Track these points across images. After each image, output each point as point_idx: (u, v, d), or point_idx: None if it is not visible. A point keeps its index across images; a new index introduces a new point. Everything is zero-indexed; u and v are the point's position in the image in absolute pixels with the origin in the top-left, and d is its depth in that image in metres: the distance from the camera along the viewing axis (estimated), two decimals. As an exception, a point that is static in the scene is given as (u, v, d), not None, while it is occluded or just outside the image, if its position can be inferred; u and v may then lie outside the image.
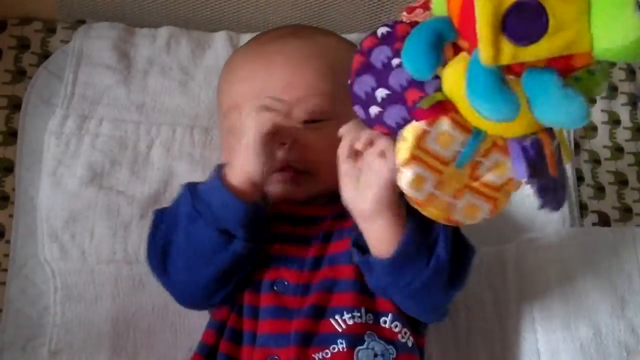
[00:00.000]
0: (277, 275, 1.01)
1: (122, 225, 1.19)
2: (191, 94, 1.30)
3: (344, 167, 0.92)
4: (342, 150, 0.92)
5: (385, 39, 0.84)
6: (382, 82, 0.83)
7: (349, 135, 0.91)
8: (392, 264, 0.92)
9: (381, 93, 0.83)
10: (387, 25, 0.85)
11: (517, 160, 0.78)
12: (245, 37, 1.33)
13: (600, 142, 1.34)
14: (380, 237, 0.93)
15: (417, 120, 0.80)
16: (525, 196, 1.23)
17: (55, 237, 1.17)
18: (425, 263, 0.93)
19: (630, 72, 1.39)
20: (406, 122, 0.81)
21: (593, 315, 1.15)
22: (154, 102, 1.29)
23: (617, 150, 1.34)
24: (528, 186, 0.82)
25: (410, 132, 0.80)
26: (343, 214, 1.05)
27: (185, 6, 1.36)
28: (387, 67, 0.83)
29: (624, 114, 1.37)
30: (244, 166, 0.96)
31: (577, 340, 1.14)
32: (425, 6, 0.90)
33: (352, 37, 1.32)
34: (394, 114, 0.82)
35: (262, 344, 0.97)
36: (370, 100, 0.84)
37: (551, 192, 0.82)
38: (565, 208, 1.26)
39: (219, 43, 1.35)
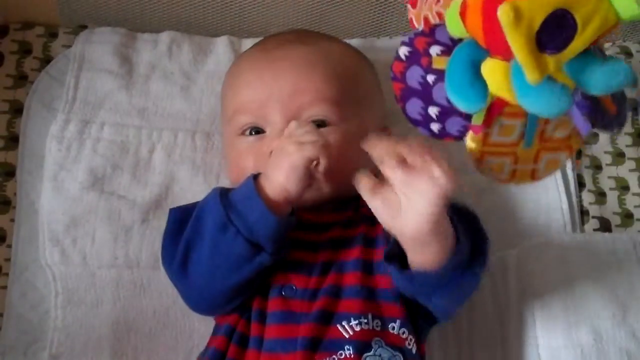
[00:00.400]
0: (286, 280, 1.02)
1: (123, 229, 1.18)
2: (193, 99, 1.30)
3: (397, 177, 0.86)
4: (389, 161, 0.87)
5: (411, 59, 0.86)
6: (429, 101, 0.85)
7: (378, 147, 0.89)
8: (445, 276, 0.93)
9: (433, 111, 0.85)
10: (405, 43, 0.86)
11: (577, 118, 0.79)
12: (247, 42, 1.34)
13: (601, 147, 1.34)
14: (432, 257, 0.91)
15: (475, 134, 0.83)
16: (527, 202, 1.25)
17: (57, 241, 1.17)
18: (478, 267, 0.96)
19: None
20: (467, 128, 0.84)
21: (594, 321, 1.15)
22: (156, 107, 1.29)
23: (618, 156, 1.34)
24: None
25: (473, 139, 0.83)
26: (352, 222, 1.06)
27: (186, 11, 1.36)
28: (426, 85, 0.85)
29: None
30: (285, 185, 0.96)
31: (578, 347, 1.13)
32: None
33: (354, 42, 1.33)
34: (454, 126, 0.85)
35: (269, 348, 0.97)
36: (427, 119, 0.86)
37: (614, 120, 0.84)
38: (566, 213, 1.26)
39: (221, 48, 1.35)
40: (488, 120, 0.82)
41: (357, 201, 1.10)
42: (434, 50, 0.84)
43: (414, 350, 0.99)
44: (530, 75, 0.71)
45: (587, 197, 1.30)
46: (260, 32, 1.32)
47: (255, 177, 0.99)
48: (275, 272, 1.02)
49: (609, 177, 1.32)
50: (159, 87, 1.30)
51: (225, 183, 1.22)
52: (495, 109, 0.81)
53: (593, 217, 1.28)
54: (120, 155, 1.24)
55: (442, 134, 0.86)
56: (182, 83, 1.31)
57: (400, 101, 0.87)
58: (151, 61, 1.32)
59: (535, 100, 0.74)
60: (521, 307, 1.18)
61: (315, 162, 0.99)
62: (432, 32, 0.85)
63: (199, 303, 1.06)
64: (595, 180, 1.31)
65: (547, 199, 1.26)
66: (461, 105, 0.78)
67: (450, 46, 0.82)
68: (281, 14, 1.36)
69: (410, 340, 0.99)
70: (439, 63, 0.82)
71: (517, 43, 0.71)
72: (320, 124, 1.08)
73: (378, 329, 0.98)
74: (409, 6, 0.93)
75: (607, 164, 1.33)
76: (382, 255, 1.00)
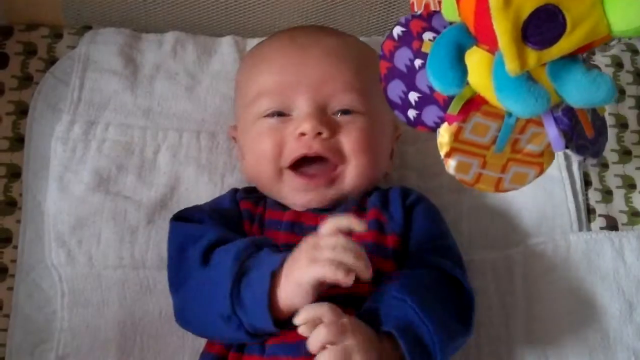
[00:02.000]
0: None
1: (129, 230, 1.18)
2: (197, 99, 1.30)
3: None
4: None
5: (403, 40, 0.86)
6: (411, 86, 0.85)
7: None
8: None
9: (413, 96, 0.85)
10: (400, 24, 0.86)
11: (552, 132, 0.78)
12: (252, 42, 1.34)
13: (607, 145, 1.32)
14: None
15: (450, 124, 0.82)
16: (533, 200, 1.24)
17: (62, 242, 1.17)
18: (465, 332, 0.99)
19: (637, 75, 1.38)
20: (442, 120, 0.83)
21: (601, 319, 1.16)
22: (161, 107, 1.29)
23: (625, 154, 1.33)
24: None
25: (446, 131, 0.83)
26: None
27: (191, 11, 1.35)
28: (412, 69, 0.85)
29: (632, 117, 1.36)
30: (292, 299, 0.92)
31: (585, 345, 1.14)
32: None
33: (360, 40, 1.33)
34: (430, 115, 0.85)
35: (271, 353, 0.97)
36: (405, 104, 0.86)
37: (590, 147, 0.84)
38: (573, 211, 1.26)
39: (225, 48, 1.35)
40: (464, 113, 0.81)
41: (364, 199, 1.11)
42: (427, 35, 0.84)
43: None
44: (510, 64, 0.70)
45: (594, 196, 1.29)
46: (265, 32, 1.32)
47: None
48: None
49: (616, 175, 1.31)
50: (163, 87, 1.30)
51: (230, 183, 1.23)
52: (474, 104, 0.81)
53: (599, 215, 1.28)
54: (125, 156, 1.24)
55: (417, 122, 0.86)
56: (187, 83, 1.31)
57: (383, 80, 0.87)
58: (156, 61, 1.32)
59: (511, 95, 0.73)
60: (527, 305, 1.18)
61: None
62: (429, 17, 0.85)
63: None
64: (601, 179, 1.31)
65: (553, 197, 1.26)
66: (437, 85, 0.77)
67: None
68: (286, 13, 1.36)
69: None
70: (428, 48, 0.81)
71: (501, 27, 0.70)
72: (347, 112, 1.11)
73: None
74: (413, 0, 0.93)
75: (613, 162, 1.32)
76: (392, 267, 1.04)
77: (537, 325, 1.16)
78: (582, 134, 0.82)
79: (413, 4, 0.93)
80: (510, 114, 0.81)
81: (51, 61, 1.32)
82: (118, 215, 1.19)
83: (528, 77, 0.72)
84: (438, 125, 0.84)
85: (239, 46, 1.35)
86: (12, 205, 1.22)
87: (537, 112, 0.72)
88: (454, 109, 0.80)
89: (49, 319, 1.14)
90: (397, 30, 0.86)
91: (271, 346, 0.97)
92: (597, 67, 0.78)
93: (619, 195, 1.30)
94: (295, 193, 1.12)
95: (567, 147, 0.81)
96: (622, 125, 1.35)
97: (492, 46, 0.75)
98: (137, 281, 1.16)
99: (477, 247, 1.21)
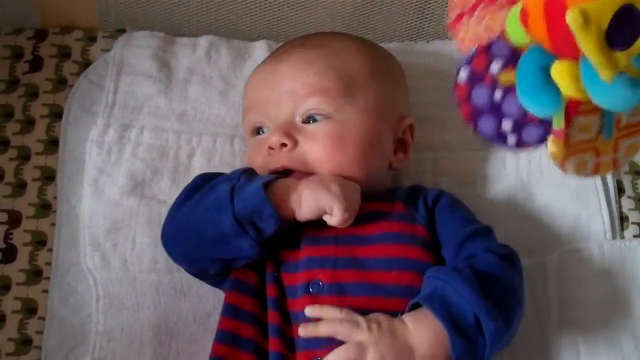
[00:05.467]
0: (311, 276, 1.03)
1: (163, 234, 1.19)
2: (231, 103, 1.30)
3: None
4: None
5: (472, 80, 0.85)
6: (500, 116, 0.84)
7: None
8: None
9: (507, 125, 0.84)
10: (463, 67, 0.85)
11: None
12: (285, 47, 1.34)
13: (640, 153, 1.33)
14: None
15: (557, 137, 0.82)
16: (567, 208, 1.24)
17: (97, 245, 1.17)
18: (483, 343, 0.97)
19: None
20: (545, 135, 0.83)
21: (635, 327, 1.15)
22: (195, 111, 1.29)
23: (658, 161, 1.32)
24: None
25: (555, 142, 0.82)
26: (376, 215, 1.08)
27: (225, 15, 1.36)
28: (494, 104, 0.84)
29: (666, 124, 1.35)
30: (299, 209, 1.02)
31: (619, 352, 1.14)
32: (464, 13, 0.91)
33: (392, 46, 1.34)
34: (531, 135, 0.84)
35: (305, 346, 0.98)
36: (502, 135, 0.85)
37: None
38: (606, 219, 1.25)
39: (259, 52, 1.35)
40: (567, 122, 0.81)
41: (383, 196, 1.12)
42: (495, 66, 0.83)
43: None
44: (604, 74, 0.71)
45: (627, 203, 1.28)
46: (297, 37, 1.32)
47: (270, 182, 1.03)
48: (297, 272, 1.04)
49: (649, 183, 1.31)
50: (197, 91, 1.31)
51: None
52: (572, 109, 0.80)
53: (633, 223, 1.27)
54: (160, 160, 1.24)
55: (521, 144, 0.85)
56: (221, 87, 1.31)
57: (471, 123, 0.86)
58: (190, 65, 1.33)
59: (609, 97, 0.73)
60: (561, 313, 1.18)
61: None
62: (488, 49, 0.84)
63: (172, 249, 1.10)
64: (634, 186, 1.30)
65: (587, 204, 1.26)
66: (536, 111, 0.77)
67: (510, 58, 0.82)
68: (319, 18, 1.36)
69: None
70: (506, 77, 0.81)
71: (588, 45, 0.70)
72: (312, 119, 1.12)
73: None
74: (452, 31, 0.92)
75: (646, 170, 1.32)
76: (419, 255, 1.05)
77: (570, 330, 1.16)
78: None
79: (461, 42, 0.92)
80: None
81: (85, 64, 1.33)
82: (153, 219, 1.19)
83: (620, 74, 0.72)
84: (542, 141, 0.84)
85: (272, 50, 1.34)
86: (46, 208, 1.22)
87: (637, 103, 0.73)
88: (558, 123, 0.80)
89: (84, 322, 1.15)
90: (464, 75, 0.85)
91: (304, 339, 0.98)
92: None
93: (652, 203, 1.30)
94: None
95: None
96: (656, 132, 1.34)
97: (573, 57, 0.75)
98: (171, 285, 1.17)
99: (511, 254, 1.20)
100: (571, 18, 0.69)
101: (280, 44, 1.36)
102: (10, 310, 1.15)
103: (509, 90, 0.81)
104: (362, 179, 1.11)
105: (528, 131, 0.83)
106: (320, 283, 1.02)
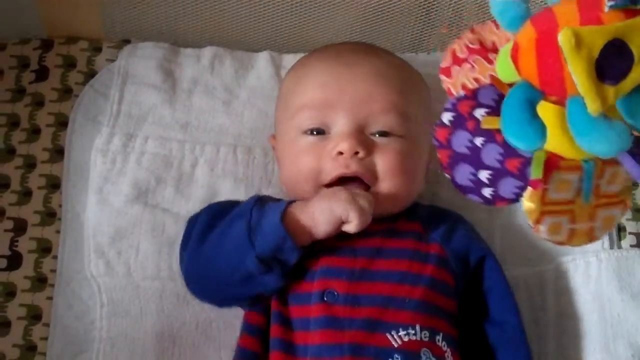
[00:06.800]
0: (327, 286, 1.04)
1: (167, 242, 1.20)
2: (235, 113, 1.32)
3: None
4: None
5: (455, 124, 0.85)
6: (478, 165, 0.84)
7: None
8: None
9: (484, 175, 0.83)
10: (448, 110, 0.85)
11: (632, 166, 0.78)
12: (287, 57, 1.36)
13: (637, 164, 1.34)
14: None
15: (535, 189, 0.82)
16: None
17: (102, 253, 1.19)
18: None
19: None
20: (522, 189, 0.82)
21: (632, 336, 1.16)
22: (198, 121, 1.31)
23: (654, 172, 1.34)
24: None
25: (532, 197, 0.82)
26: (395, 232, 1.09)
27: (228, 27, 1.37)
28: (474, 149, 0.84)
29: (661, 137, 1.37)
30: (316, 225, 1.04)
31: (616, 360, 1.15)
32: (457, 61, 0.92)
33: (394, 58, 1.34)
34: (507, 188, 0.83)
35: (315, 354, 0.99)
36: (478, 185, 0.84)
37: None
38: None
39: (262, 63, 1.37)
40: (546, 175, 0.81)
41: (403, 214, 1.13)
42: (479, 112, 0.83)
43: None
44: (592, 105, 0.71)
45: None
46: (301, 48, 1.35)
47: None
48: (313, 280, 1.05)
49: (645, 194, 1.32)
50: (201, 101, 1.32)
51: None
52: (552, 162, 0.81)
53: (630, 233, 1.28)
54: (164, 169, 1.26)
55: (496, 199, 0.84)
56: (224, 98, 1.33)
57: (447, 169, 0.85)
58: (194, 76, 1.34)
59: (594, 137, 0.73)
60: (559, 321, 1.19)
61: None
62: (474, 95, 0.84)
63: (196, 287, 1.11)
64: (632, 197, 1.31)
65: (584, 215, 1.27)
66: (521, 144, 0.77)
67: (494, 107, 0.82)
68: (322, 29, 1.37)
69: (448, 352, 1.02)
70: (488, 123, 0.81)
71: (578, 68, 0.71)
72: (385, 134, 1.12)
73: (426, 339, 1.01)
74: (442, 76, 0.93)
75: (643, 180, 1.33)
76: (432, 272, 1.05)
77: (568, 340, 1.17)
78: None
79: (449, 89, 0.92)
80: (587, 161, 0.82)
81: (90, 74, 1.34)
82: (156, 227, 1.21)
83: (605, 116, 0.73)
84: (518, 195, 0.83)
85: (275, 61, 1.37)
86: (51, 216, 1.24)
87: (621, 148, 0.73)
88: (536, 172, 0.80)
89: (88, 328, 1.16)
90: (448, 117, 0.85)
91: (315, 346, 1.00)
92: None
93: (648, 213, 1.31)
94: None
95: None
96: (652, 144, 1.36)
97: (560, 95, 0.76)
98: (174, 292, 1.18)
99: (509, 264, 1.21)
100: (563, 37, 0.71)
101: (284, 55, 1.38)
102: (15, 317, 1.17)
103: (490, 137, 0.82)
104: (410, 199, 1.15)
105: (505, 183, 0.82)
106: (335, 293, 1.03)
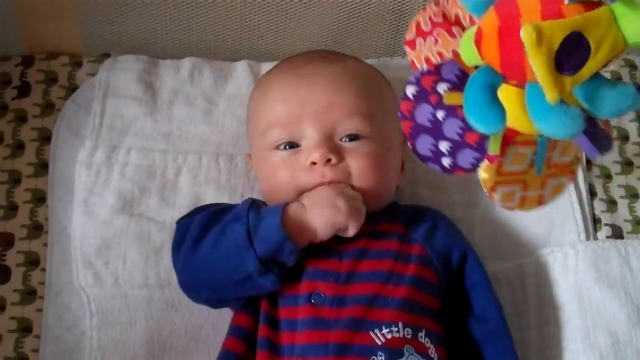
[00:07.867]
0: (314, 287, 1.06)
1: (153, 250, 1.21)
2: (215, 122, 1.33)
3: None
4: None
5: (419, 97, 0.87)
6: (439, 137, 0.87)
7: None
8: None
9: (444, 146, 0.86)
10: (412, 83, 0.88)
11: (585, 144, 0.81)
12: (266, 66, 1.37)
13: (610, 157, 1.37)
14: None
15: (491, 162, 0.86)
16: (543, 212, 1.28)
17: (89, 264, 1.20)
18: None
19: (637, 89, 1.42)
20: (479, 160, 0.86)
21: (611, 324, 1.18)
22: (180, 130, 1.32)
23: (627, 165, 1.37)
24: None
25: (488, 169, 0.87)
26: (380, 234, 1.11)
27: (206, 37, 1.39)
28: (435, 122, 0.87)
29: (633, 130, 1.40)
30: (318, 231, 1.06)
31: (596, 350, 1.17)
32: (421, 33, 0.95)
33: (369, 61, 1.35)
34: (465, 158, 0.86)
35: (301, 354, 1.01)
36: (437, 155, 0.87)
37: (607, 143, 0.86)
38: (580, 222, 1.30)
39: (240, 72, 1.38)
40: (502, 149, 0.85)
41: (385, 215, 1.15)
42: (442, 87, 0.86)
43: (435, 358, 1.04)
44: (550, 94, 0.74)
45: (599, 206, 1.33)
46: (278, 56, 1.36)
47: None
48: (300, 282, 1.07)
49: (619, 186, 1.35)
50: (182, 111, 1.33)
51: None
52: (508, 138, 0.85)
53: (605, 224, 1.31)
54: (147, 179, 1.27)
55: (454, 168, 0.87)
56: (205, 107, 1.34)
57: (410, 139, 0.88)
58: (174, 87, 1.35)
59: (551, 122, 0.77)
60: (540, 313, 1.22)
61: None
62: (437, 70, 0.87)
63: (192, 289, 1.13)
64: (606, 189, 1.34)
65: (561, 208, 1.29)
66: (481, 127, 0.80)
67: (456, 83, 0.85)
68: (298, 37, 1.39)
69: (432, 349, 1.04)
70: (450, 98, 0.84)
71: (538, 62, 0.74)
72: (353, 137, 1.13)
73: (409, 336, 1.03)
74: (407, 48, 0.96)
75: (616, 173, 1.36)
76: (415, 271, 1.08)
77: (549, 330, 1.20)
78: (602, 134, 0.84)
79: (413, 61, 0.95)
80: (541, 137, 0.85)
81: (72, 88, 1.35)
82: (142, 236, 1.22)
83: (562, 102, 0.76)
84: (475, 166, 0.86)
85: (253, 70, 1.38)
86: (38, 229, 1.25)
87: (576, 132, 0.77)
88: (494, 148, 0.84)
89: (78, 339, 1.17)
90: (411, 90, 0.88)
91: (301, 346, 1.02)
92: (618, 80, 0.83)
93: (622, 204, 1.33)
94: None
95: (599, 151, 0.83)
96: (624, 137, 1.39)
97: (520, 80, 0.79)
98: (162, 300, 1.19)
99: (490, 259, 1.24)
100: (525, 33, 0.74)
101: (261, 63, 1.40)
102: (6, 330, 1.18)
103: (451, 112, 0.85)
104: (388, 197, 1.18)
105: (463, 154, 0.86)
106: (322, 295, 1.05)
